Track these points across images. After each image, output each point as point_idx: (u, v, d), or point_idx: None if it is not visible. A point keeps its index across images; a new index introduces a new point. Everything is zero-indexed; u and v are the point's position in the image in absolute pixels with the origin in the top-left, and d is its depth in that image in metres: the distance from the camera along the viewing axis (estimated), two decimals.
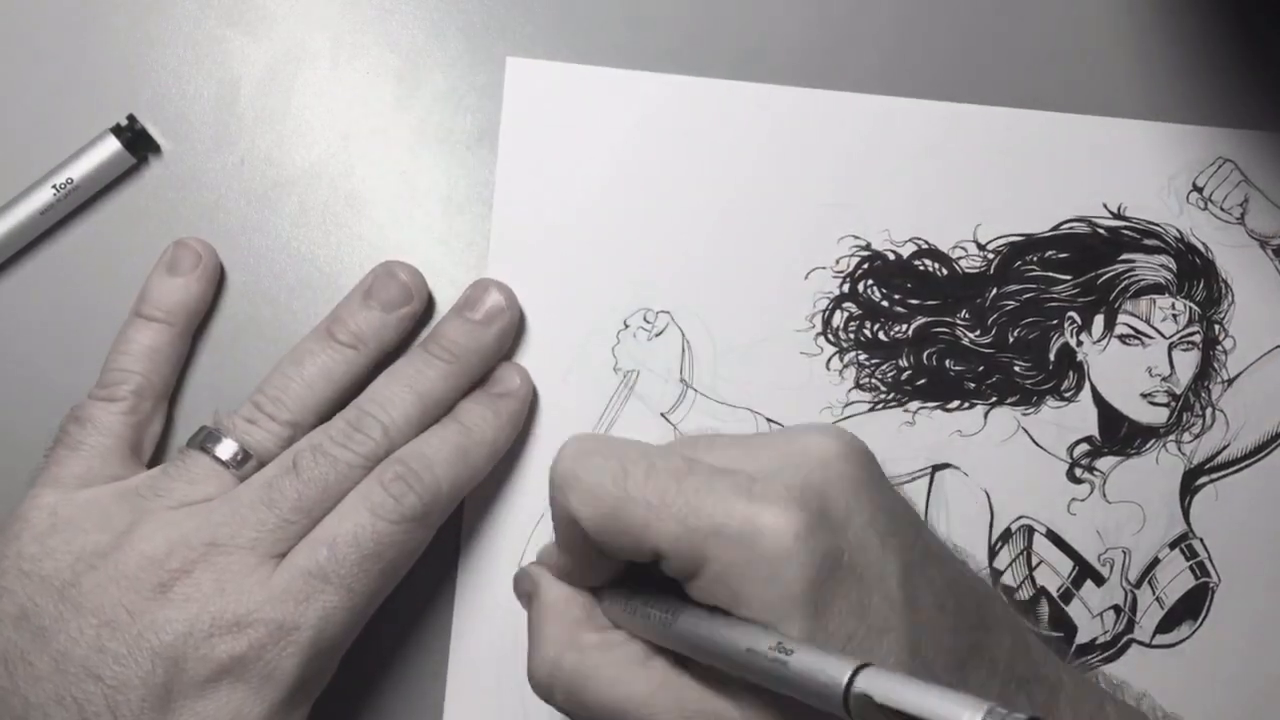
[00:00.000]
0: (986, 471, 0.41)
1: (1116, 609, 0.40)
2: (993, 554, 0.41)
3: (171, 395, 0.41)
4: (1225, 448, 0.41)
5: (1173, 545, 0.41)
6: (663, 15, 0.43)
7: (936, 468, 0.41)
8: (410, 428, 0.38)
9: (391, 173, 0.43)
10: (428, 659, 0.41)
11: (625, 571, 0.34)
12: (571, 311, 0.42)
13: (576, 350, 0.41)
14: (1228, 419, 0.41)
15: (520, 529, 0.41)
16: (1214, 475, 0.41)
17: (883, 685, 0.25)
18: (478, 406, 0.39)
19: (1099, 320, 0.42)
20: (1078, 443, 0.41)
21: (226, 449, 0.37)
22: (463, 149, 0.43)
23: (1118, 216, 0.42)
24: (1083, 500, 0.41)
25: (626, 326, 0.42)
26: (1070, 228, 0.42)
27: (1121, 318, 0.42)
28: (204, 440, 0.38)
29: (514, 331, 0.41)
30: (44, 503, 0.37)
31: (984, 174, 0.42)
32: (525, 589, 0.36)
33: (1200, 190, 0.42)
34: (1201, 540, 0.41)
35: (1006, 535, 0.41)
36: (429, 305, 0.42)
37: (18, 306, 0.42)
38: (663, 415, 0.41)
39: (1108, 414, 0.41)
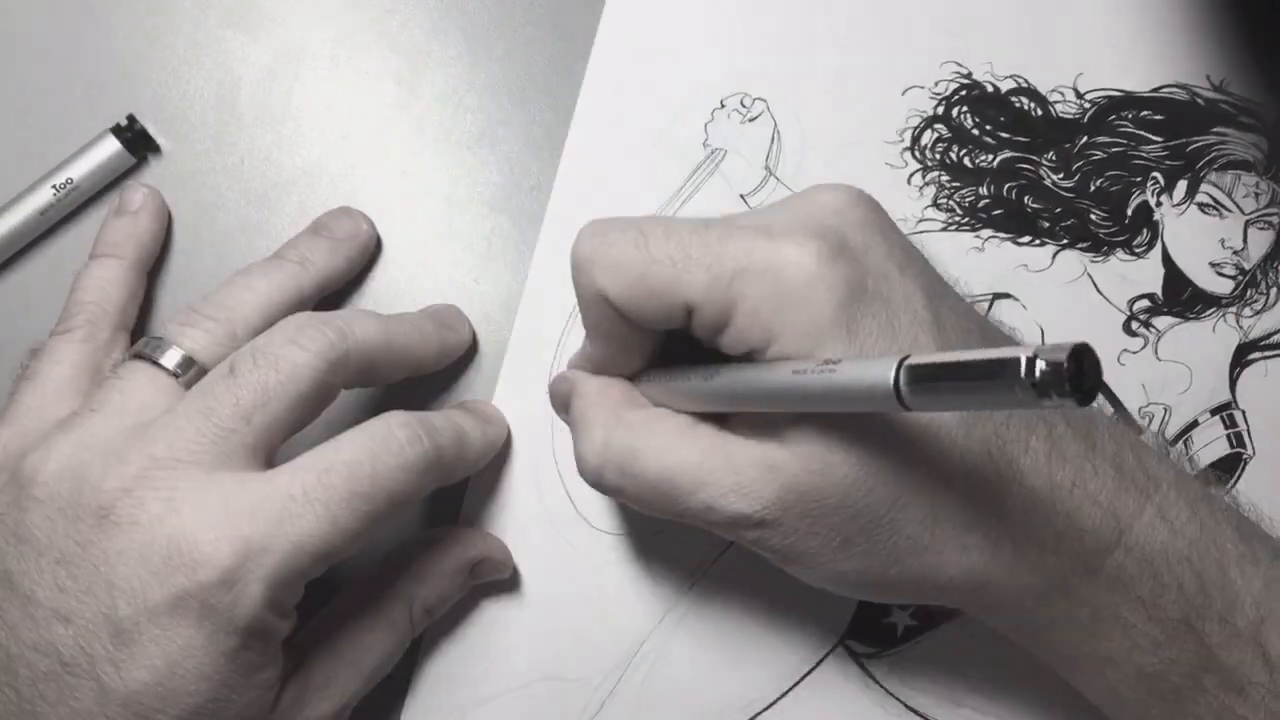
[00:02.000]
0: (1045, 308, 0.42)
1: None
2: None
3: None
4: None
5: (1214, 411, 0.41)
6: None
7: (997, 296, 0.42)
8: (355, 320, 0.35)
9: (391, 173, 0.43)
10: None
11: (656, 357, 0.35)
12: (670, 81, 0.43)
13: (670, 119, 0.42)
14: None
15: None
16: (1267, 353, 0.42)
17: (932, 359, 0.25)
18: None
19: (1182, 185, 0.42)
20: (1139, 298, 0.42)
21: (169, 355, 0.35)
22: (463, 149, 0.43)
23: (1218, 90, 0.42)
24: (1135, 353, 0.41)
25: (722, 106, 0.43)
26: (1170, 92, 0.42)
27: (1204, 187, 0.42)
28: (143, 348, 0.35)
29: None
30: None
31: (1095, 25, 0.42)
32: (563, 390, 0.36)
33: None
34: (1243, 412, 0.41)
35: None
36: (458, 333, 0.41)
37: (18, 306, 0.42)
38: (742, 196, 0.42)
39: (1174, 275, 0.42)
